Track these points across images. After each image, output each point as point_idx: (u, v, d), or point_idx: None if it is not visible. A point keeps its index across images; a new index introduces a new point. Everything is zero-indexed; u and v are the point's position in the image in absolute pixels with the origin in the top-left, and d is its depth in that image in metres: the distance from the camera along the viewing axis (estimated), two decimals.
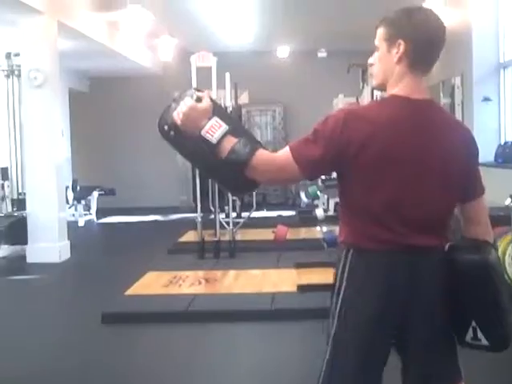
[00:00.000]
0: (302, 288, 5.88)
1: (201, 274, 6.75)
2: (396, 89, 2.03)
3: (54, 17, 7.94)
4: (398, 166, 1.97)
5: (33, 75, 7.71)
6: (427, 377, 2.08)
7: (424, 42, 2.00)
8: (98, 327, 5.20)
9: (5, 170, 8.64)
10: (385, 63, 2.05)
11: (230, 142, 1.99)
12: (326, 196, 10.74)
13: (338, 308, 2.06)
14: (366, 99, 8.74)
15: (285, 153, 2.00)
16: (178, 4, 9.06)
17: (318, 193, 10.28)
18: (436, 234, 2.04)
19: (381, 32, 2.06)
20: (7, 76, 8.62)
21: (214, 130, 2.00)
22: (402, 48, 2.00)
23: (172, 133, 2.09)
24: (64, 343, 4.95)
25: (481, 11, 7.96)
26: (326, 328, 2.11)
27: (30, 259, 7.86)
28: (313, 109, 12.53)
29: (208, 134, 2.00)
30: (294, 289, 5.92)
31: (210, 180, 8.02)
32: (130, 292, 6.00)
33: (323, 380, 2.10)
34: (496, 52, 7.88)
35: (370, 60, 2.12)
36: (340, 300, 2.05)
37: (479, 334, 2.03)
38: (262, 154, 2.01)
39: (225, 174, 2.09)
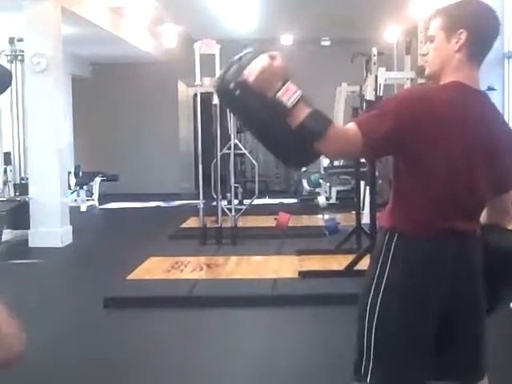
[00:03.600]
0: (303, 274, 5.90)
1: (202, 259, 6.78)
2: (453, 77, 2.05)
3: (57, 2, 7.93)
4: (454, 145, 1.99)
5: (36, 60, 7.72)
6: (469, 361, 2.12)
7: (485, 33, 2.05)
8: (100, 311, 5.23)
9: (7, 155, 8.65)
10: (442, 52, 2.07)
11: (304, 110, 1.91)
12: (328, 184, 10.78)
13: (380, 294, 2.05)
14: (369, 88, 8.73)
15: (353, 127, 1.95)
16: None
17: (321, 181, 10.34)
18: (476, 219, 2.12)
19: (438, 22, 2.07)
20: (10, 61, 8.61)
21: (289, 94, 1.90)
22: (463, 37, 2.02)
23: (238, 91, 1.93)
24: (66, 327, 4.98)
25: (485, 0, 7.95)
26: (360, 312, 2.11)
27: (32, 244, 7.89)
28: (316, 97, 12.27)
29: (284, 97, 1.90)
30: (296, 275, 5.94)
31: (212, 166, 8.04)
32: (131, 277, 6.04)
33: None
34: (500, 42, 7.85)
35: (423, 50, 2.13)
36: (383, 286, 2.05)
37: None
38: (336, 127, 1.96)
39: (288, 143, 2.00)
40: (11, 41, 8.53)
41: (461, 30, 2.02)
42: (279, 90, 1.90)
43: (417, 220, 2.03)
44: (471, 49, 2.03)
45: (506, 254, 2.14)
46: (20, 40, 8.31)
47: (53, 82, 7.96)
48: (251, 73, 1.90)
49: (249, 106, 1.97)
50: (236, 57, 1.99)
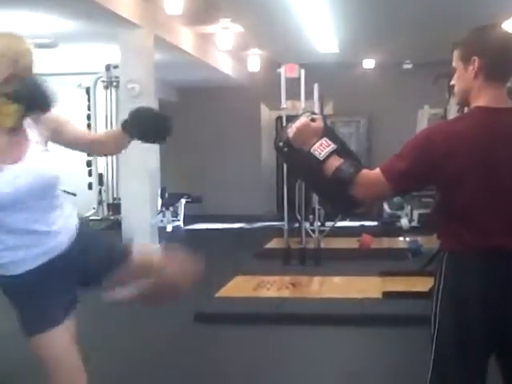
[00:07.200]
0: (388, 295, 5.97)
1: (287, 279, 6.93)
2: (477, 102, 2.17)
3: (151, 30, 8.32)
4: (486, 173, 2.10)
5: (130, 86, 8.10)
6: None
7: (496, 55, 2.14)
8: (191, 326, 5.44)
9: (101, 176, 9.06)
10: (463, 81, 2.21)
11: (336, 161, 2.17)
12: (409, 207, 10.77)
13: (437, 312, 2.18)
14: (452, 110, 8.74)
15: (377, 170, 2.19)
16: (266, 17, 9.28)
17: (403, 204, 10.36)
18: None
19: (456, 54, 2.23)
20: (106, 87, 9.04)
21: (322, 148, 2.18)
22: (476, 63, 2.14)
23: (286, 149, 2.28)
24: (159, 340, 5.21)
25: None
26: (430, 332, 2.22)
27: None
28: (397, 120, 12.60)
29: (316, 152, 2.18)
30: (379, 295, 6.02)
31: (296, 189, 8.23)
32: (220, 294, 6.25)
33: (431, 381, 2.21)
34: None
35: (452, 82, 2.27)
36: (438, 304, 2.18)
37: None
38: (363, 173, 2.18)
39: (329, 191, 2.28)
40: (107, 68, 8.95)
41: (473, 58, 2.14)
42: (314, 145, 2.19)
43: (457, 238, 2.15)
44: (488, 73, 2.14)
45: None
46: (116, 67, 8.71)
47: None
48: (291, 131, 2.24)
49: (294, 160, 2.32)
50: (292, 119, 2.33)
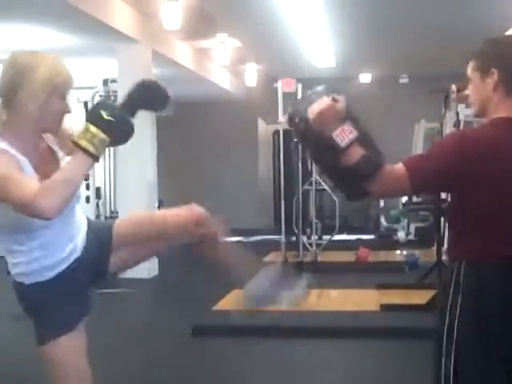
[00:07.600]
0: (385, 307, 5.98)
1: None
2: (498, 113, 2.13)
3: (148, 45, 8.36)
4: (507, 178, 2.05)
5: None
6: None
7: None
8: (189, 339, 5.43)
9: (98, 190, 9.06)
10: (480, 92, 2.17)
11: (356, 153, 2.04)
12: (406, 220, 10.81)
13: (455, 324, 2.10)
14: (448, 124, 8.78)
15: (400, 166, 2.09)
16: (263, 32, 9.34)
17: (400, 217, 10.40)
18: None
19: (472, 64, 2.19)
20: None
21: (344, 134, 2.03)
22: (495, 76, 2.11)
23: (302, 126, 2.08)
24: (157, 352, 5.19)
25: None
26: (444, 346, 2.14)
27: (120, 274, 8.19)
28: (394, 134, 12.62)
29: (338, 138, 2.03)
30: (376, 308, 6.03)
31: (293, 203, 8.26)
32: (217, 307, 6.26)
33: None
34: None
35: (466, 91, 2.25)
36: (456, 316, 2.10)
37: None
38: (385, 169, 2.07)
39: (344, 180, 2.14)
40: (105, 82, 8.97)
41: (492, 70, 2.11)
42: (335, 130, 2.03)
43: (476, 248, 2.08)
44: (507, 85, 2.11)
45: None
46: (113, 81, 8.74)
47: (142, 120, 8.26)
48: (312, 112, 2.05)
49: (310, 140, 2.12)
50: (310, 91, 2.15)
